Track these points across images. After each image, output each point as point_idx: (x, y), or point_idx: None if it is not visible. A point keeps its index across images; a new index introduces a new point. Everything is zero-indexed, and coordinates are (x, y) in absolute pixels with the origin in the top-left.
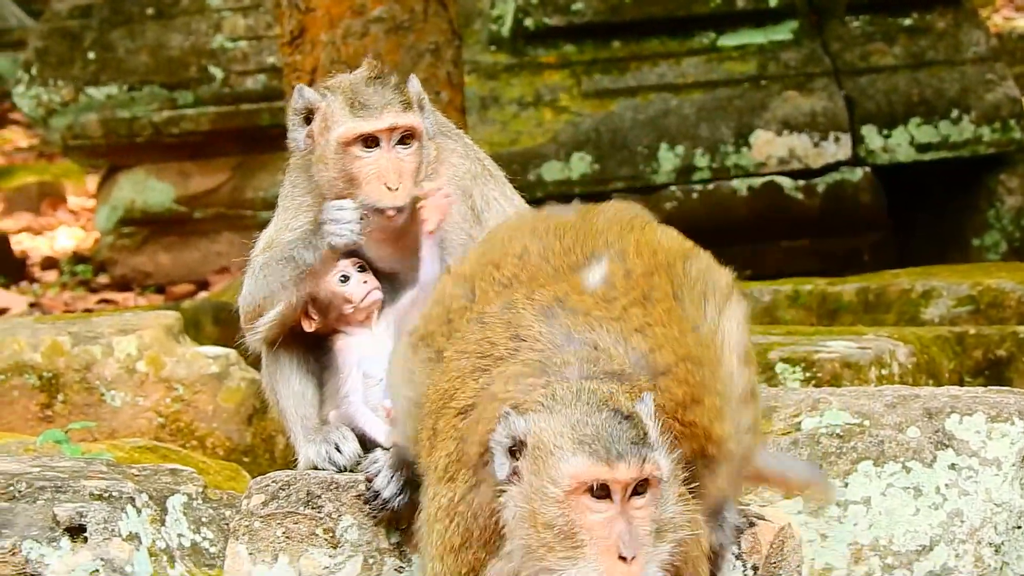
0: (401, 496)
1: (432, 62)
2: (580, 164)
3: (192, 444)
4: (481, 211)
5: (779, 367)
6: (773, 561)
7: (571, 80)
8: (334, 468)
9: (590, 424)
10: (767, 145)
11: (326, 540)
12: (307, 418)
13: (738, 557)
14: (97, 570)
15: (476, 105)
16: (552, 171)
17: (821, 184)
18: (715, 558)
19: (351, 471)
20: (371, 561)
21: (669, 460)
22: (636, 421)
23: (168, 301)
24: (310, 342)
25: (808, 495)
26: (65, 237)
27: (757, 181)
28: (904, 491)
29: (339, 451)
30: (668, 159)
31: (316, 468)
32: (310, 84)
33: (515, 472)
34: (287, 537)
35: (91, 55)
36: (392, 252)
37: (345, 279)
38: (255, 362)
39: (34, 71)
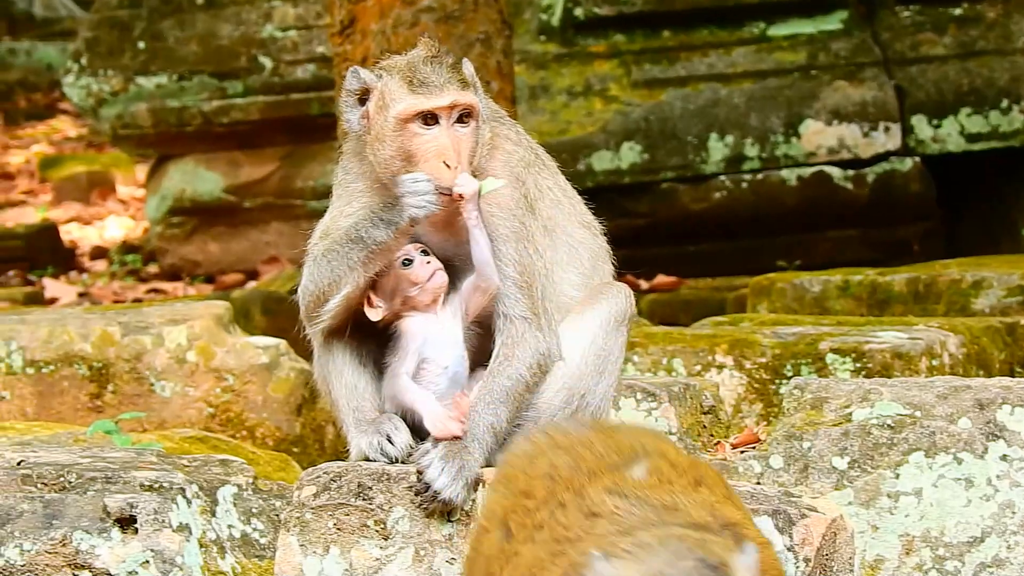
0: (452, 487)
1: (482, 52)
2: (630, 154)
3: (242, 434)
4: (534, 199)
5: (829, 358)
6: (825, 553)
7: (621, 70)
8: (386, 459)
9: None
10: (817, 135)
11: (377, 532)
12: (359, 410)
13: (790, 549)
14: (147, 561)
15: (526, 95)
16: (602, 161)
17: (871, 174)
18: None
19: (403, 462)
20: (422, 553)
21: None
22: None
23: (217, 290)
24: (364, 334)
25: None
26: (114, 227)
27: (807, 171)
28: (955, 482)
29: (391, 442)
30: (718, 149)
31: (368, 459)
32: None
33: None
34: (338, 529)
35: (141, 45)
36: (446, 236)
37: (408, 262)
38: (305, 352)
39: (84, 61)
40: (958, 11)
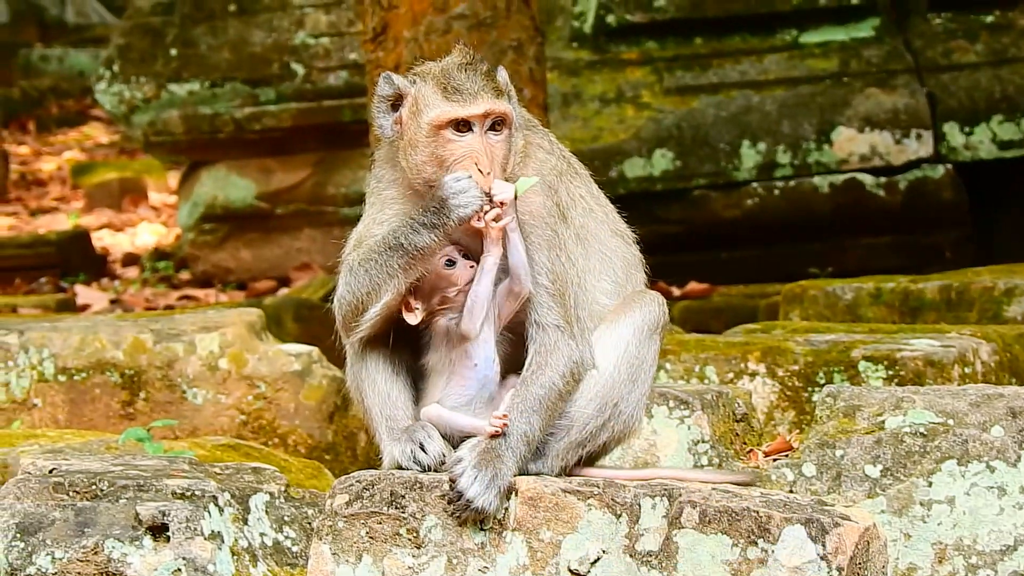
0: (485, 496)
1: (514, 59)
2: (662, 161)
3: (274, 442)
4: (567, 208)
5: (862, 365)
6: (859, 562)
7: (653, 77)
8: (419, 468)
9: None
10: (849, 142)
11: (410, 540)
12: (392, 418)
13: (823, 558)
14: (179, 569)
15: (558, 102)
16: (634, 168)
17: (903, 181)
18: None
19: (436, 471)
20: (455, 561)
21: None
22: None
23: (249, 297)
24: (398, 341)
25: None
26: (146, 233)
27: (839, 178)
28: (988, 491)
29: (424, 450)
30: (750, 156)
31: (400, 467)
32: None
33: None
34: (371, 537)
35: (173, 52)
36: (478, 240)
37: (451, 263)
38: (338, 360)
39: (116, 68)
40: (990, 18)
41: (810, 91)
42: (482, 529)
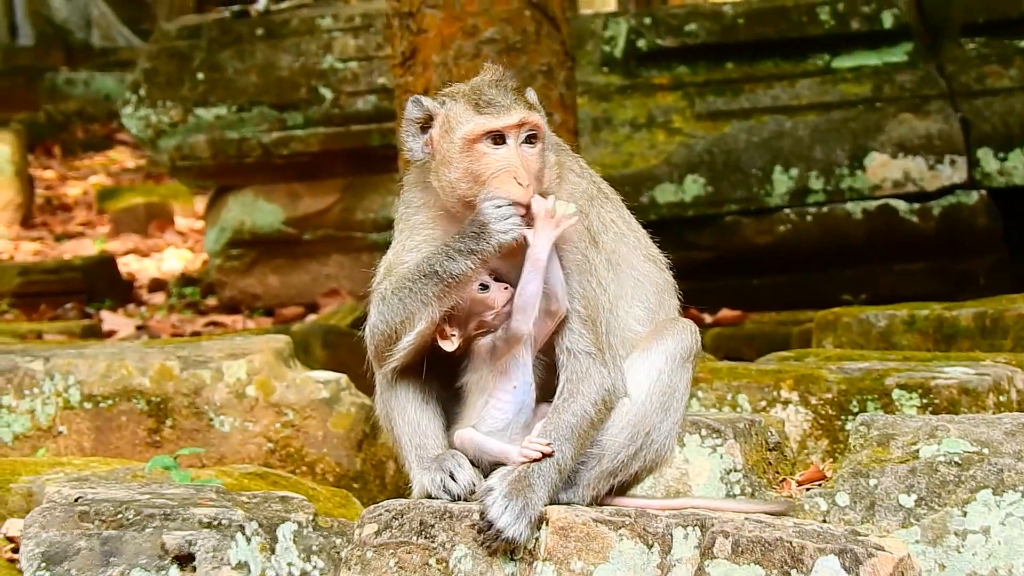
0: (515, 526)
1: (544, 83)
2: (693, 186)
3: (302, 470)
4: (598, 233)
5: (896, 393)
6: None
7: (684, 102)
8: (448, 497)
9: None
10: (882, 168)
11: (439, 571)
12: (422, 447)
13: None
14: None
15: (588, 127)
16: (665, 193)
17: (936, 207)
18: None
19: (466, 500)
20: None
21: None
22: None
23: (277, 324)
24: (428, 370)
25: None
26: (173, 259)
27: (872, 204)
28: (1023, 520)
29: (454, 479)
30: (782, 181)
31: (430, 497)
32: None
33: None
34: (400, 567)
35: (200, 76)
36: (511, 263)
37: (484, 287)
38: (366, 387)
39: (142, 92)
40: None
41: (843, 116)
42: (512, 559)
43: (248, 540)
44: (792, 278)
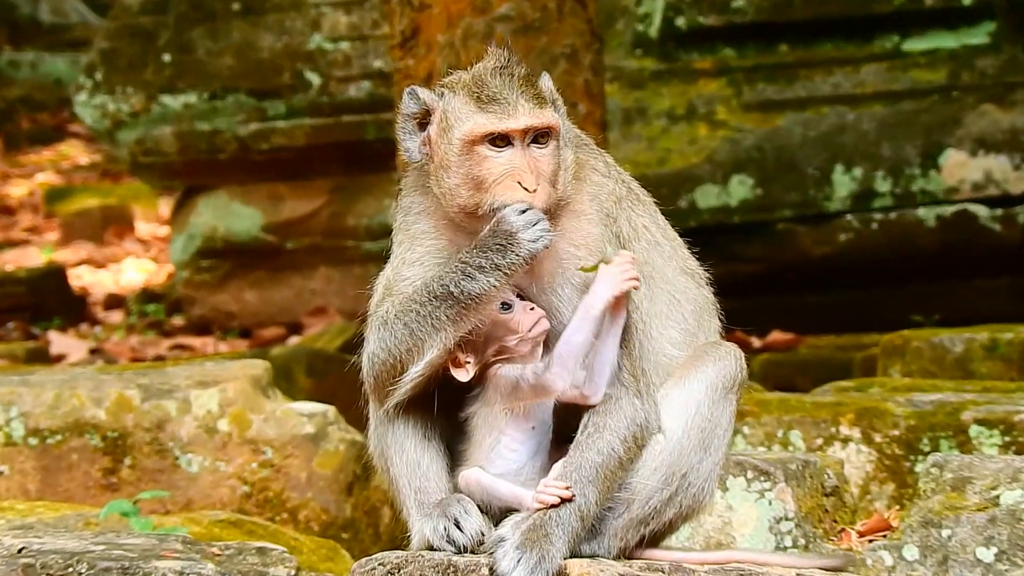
0: None
1: (568, 68)
2: (740, 188)
3: (283, 517)
4: (628, 240)
5: (974, 430)
6: None
7: (730, 90)
8: (453, 548)
9: None
10: (959, 167)
11: None
12: (422, 491)
13: None
14: None
15: (619, 119)
16: (707, 196)
17: (1022, 213)
18: None
19: (473, 551)
20: None
21: None
22: None
23: (254, 347)
24: (430, 402)
25: None
26: (133, 271)
27: (947, 209)
28: None
29: (459, 528)
30: (843, 183)
31: (432, 548)
32: None
33: None
34: None
35: (166, 58)
36: (528, 279)
37: (507, 307)
38: (358, 421)
39: (99, 76)
40: None
41: (914, 108)
42: None
43: None
44: (854, 295)
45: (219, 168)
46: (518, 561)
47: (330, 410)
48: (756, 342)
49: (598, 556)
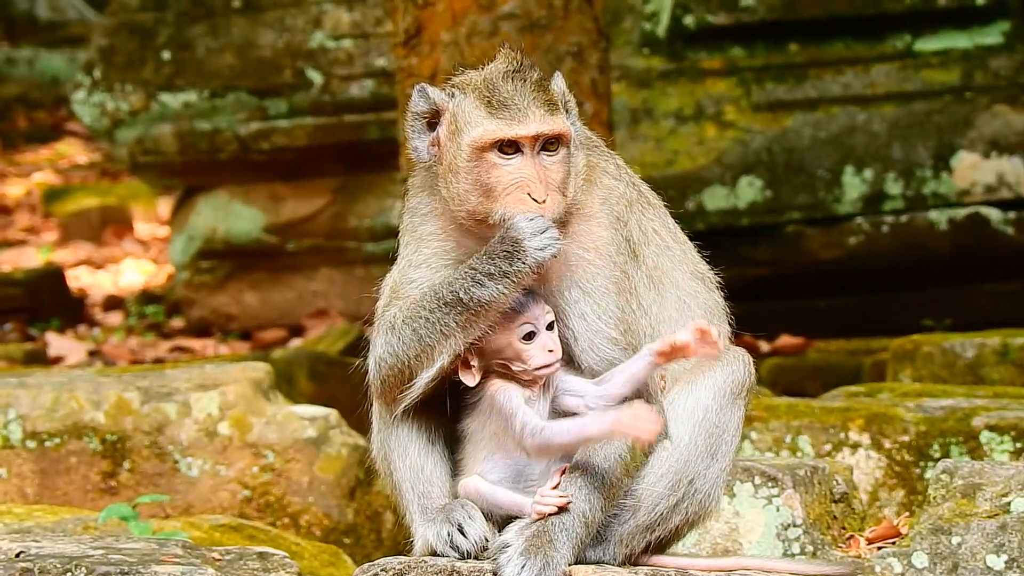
0: None
1: (574, 67)
2: (749, 190)
3: (284, 522)
4: (638, 244)
5: (984, 436)
6: None
7: (739, 90)
8: (456, 554)
9: None
10: (972, 169)
11: None
12: (426, 495)
13: None
14: None
15: (626, 118)
16: (715, 198)
17: None
18: None
19: (477, 558)
20: None
21: None
22: None
23: (255, 350)
24: (434, 406)
25: None
26: (132, 272)
27: (960, 212)
28: None
29: (463, 533)
30: (854, 185)
31: (435, 553)
32: None
33: None
34: None
35: (165, 55)
36: (537, 285)
37: (529, 337)
38: (360, 425)
39: (97, 74)
40: None
41: (926, 108)
42: None
43: None
44: (864, 299)
45: (219, 168)
46: (522, 567)
47: (332, 414)
48: (764, 346)
49: (603, 562)
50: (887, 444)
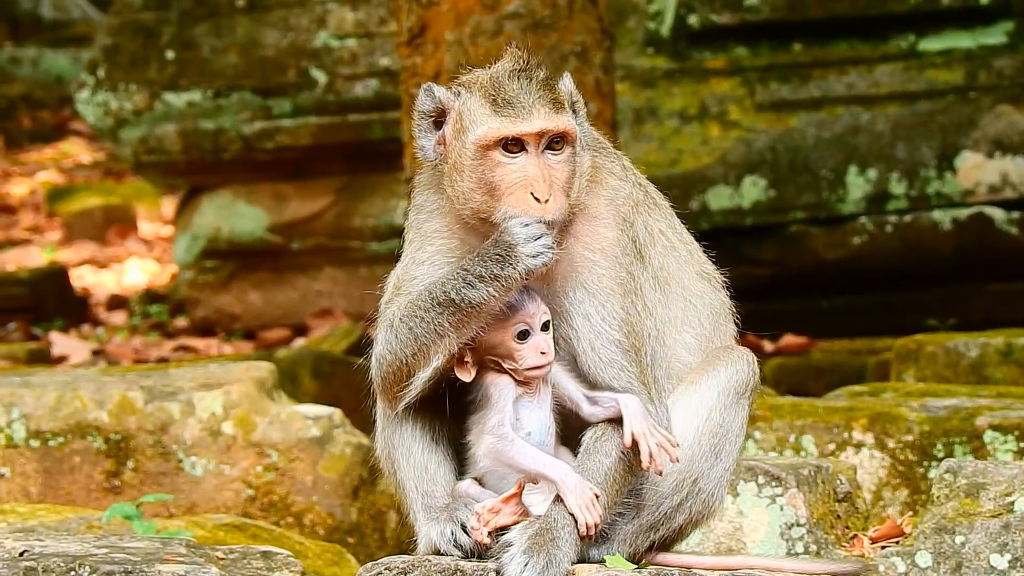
0: None
1: (578, 66)
2: (753, 190)
3: (287, 521)
4: (644, 245)
5: (988, 436)
6: None
7: (743, 89)
8: (460, 552)
9: None
10: (975, 169)
11: None
12: (429, 495)
13: None
14: None
15: (630, 118)
16: (719, 198)
17: None
18: None
19: (480, 556)
20: None
21: None
22: None
23: (259, 349)
24: (436, 404)
25: None
26: (136, 271)
27: (963, 212)
28: None
29: (467, 532)
30: (858, 185)
31: (439, 552)
32: None
33: None
34: None
35: (169, 55)
36: (539, 285)
37: (523, 336)
38: (364, 424)
39: (101, 73)
40: None
41: (930, 108)
42: None
43: None
44: (868, 299)
45: (223, 167)
46: (525, 565)
47: (336, 413)
48: (768, 346)
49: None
50: (891, 444)
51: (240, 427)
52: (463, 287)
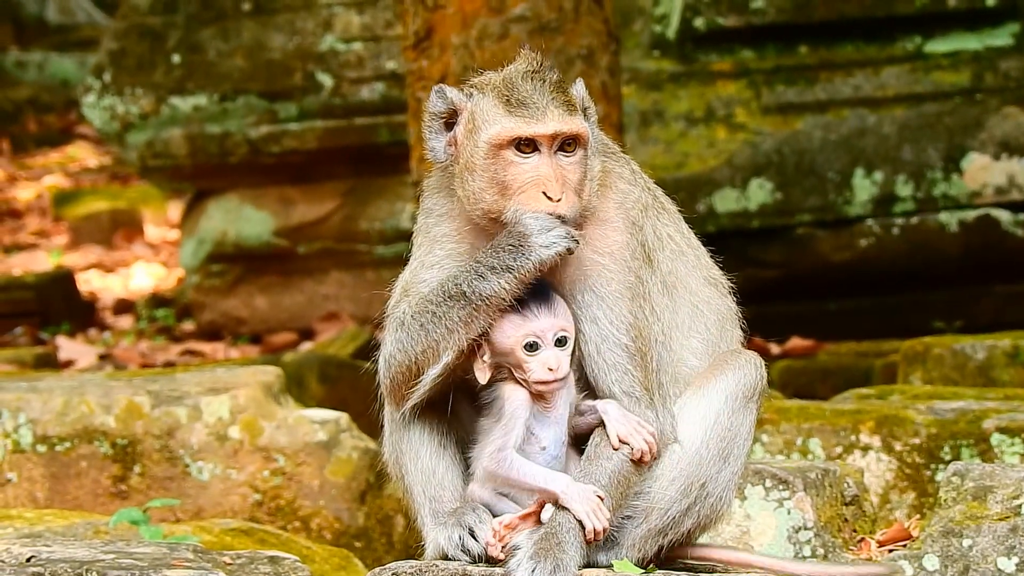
0: None
1: (584, 70)
2: (759, 192)
3: (295, 526)
4: (652, 249)
5: (995, 438)
6: None
7: (749, 92)
8: (467, 557)
9: None
10: (982, 171)
11: None
12: (437, 499)
13: None
14: None
15: (636, 121)
16: (726, 201)
17: None
18: None
19: (488, 561)
20: None
21: None
22: None
23: (266, 353)
24: (445, 409)
25: None
26: (142, 275)
27: (970, 214)
28: None
29: (474, 537)
30: (864, 187)
31: (446, 557)
32: None
33: None
34: None
35: (175, 58)
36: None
37: (532, 347)
38: (371, 428)
39: (107, 77)
40: None
41: (936, 110)
42: None
43: None
44: (875, 302)
45: (229, 171)
46: (532, 570)
47: (343, 417)
48: (775, 349)
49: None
50: (898, 446)
51: (247, 431)
52: (474, 279)
